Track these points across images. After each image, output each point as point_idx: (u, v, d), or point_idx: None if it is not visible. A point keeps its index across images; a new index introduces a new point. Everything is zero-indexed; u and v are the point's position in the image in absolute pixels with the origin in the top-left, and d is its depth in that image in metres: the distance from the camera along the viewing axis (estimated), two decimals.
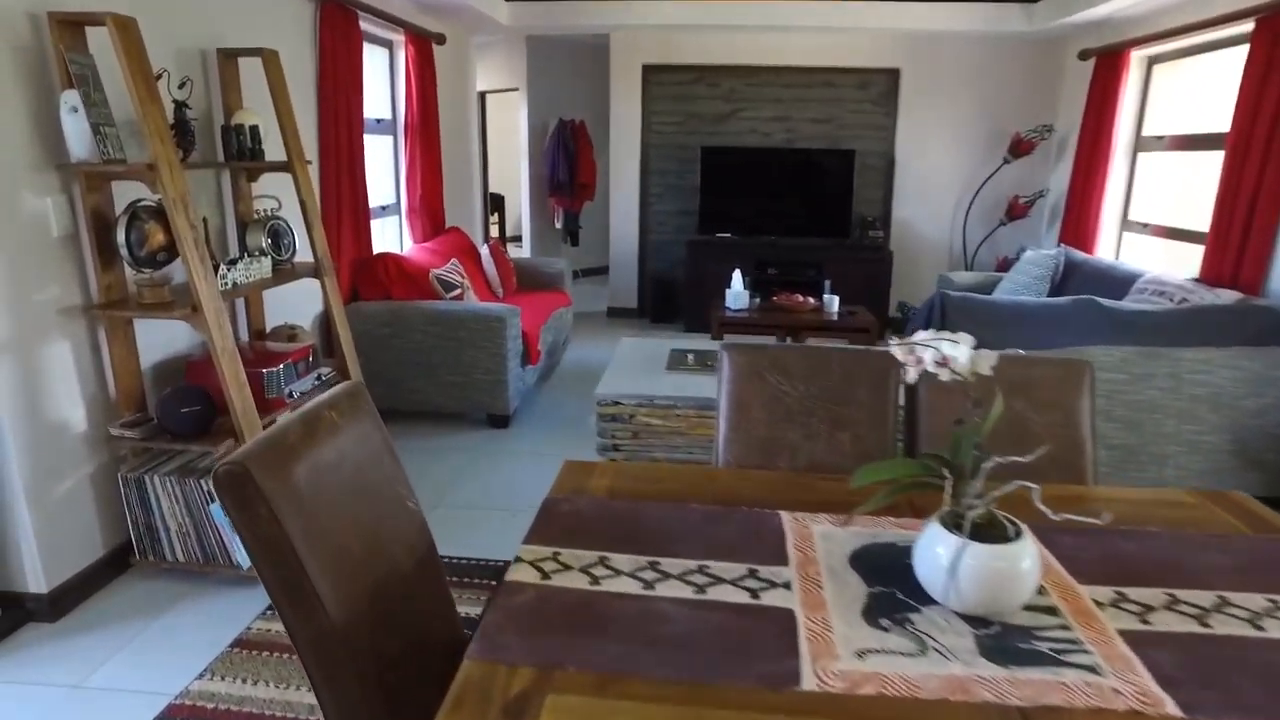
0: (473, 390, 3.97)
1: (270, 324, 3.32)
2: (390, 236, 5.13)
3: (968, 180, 6.38)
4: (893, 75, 6.29)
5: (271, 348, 2.99)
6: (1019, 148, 6.00)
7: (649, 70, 6.35)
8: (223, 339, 2.41)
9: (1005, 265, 6.29)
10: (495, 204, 9.83)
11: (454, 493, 3.34)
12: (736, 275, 4.94)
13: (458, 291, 4.22)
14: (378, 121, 4.84)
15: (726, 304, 4.97)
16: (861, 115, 6.37)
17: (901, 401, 1.76)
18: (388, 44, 4.97)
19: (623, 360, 2.45)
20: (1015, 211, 6.13)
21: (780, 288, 6.26)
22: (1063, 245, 5.19)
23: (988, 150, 6.31)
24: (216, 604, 2.50)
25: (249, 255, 2.88)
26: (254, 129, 2.88)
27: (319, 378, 3.00)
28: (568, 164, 7.78)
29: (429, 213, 5.19)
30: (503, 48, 7.93)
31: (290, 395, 2.78)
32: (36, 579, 2.34)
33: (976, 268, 6.44)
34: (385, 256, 4.16)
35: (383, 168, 5.03)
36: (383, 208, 4.91)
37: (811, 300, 4.92)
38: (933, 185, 6.42)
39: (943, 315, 3.30)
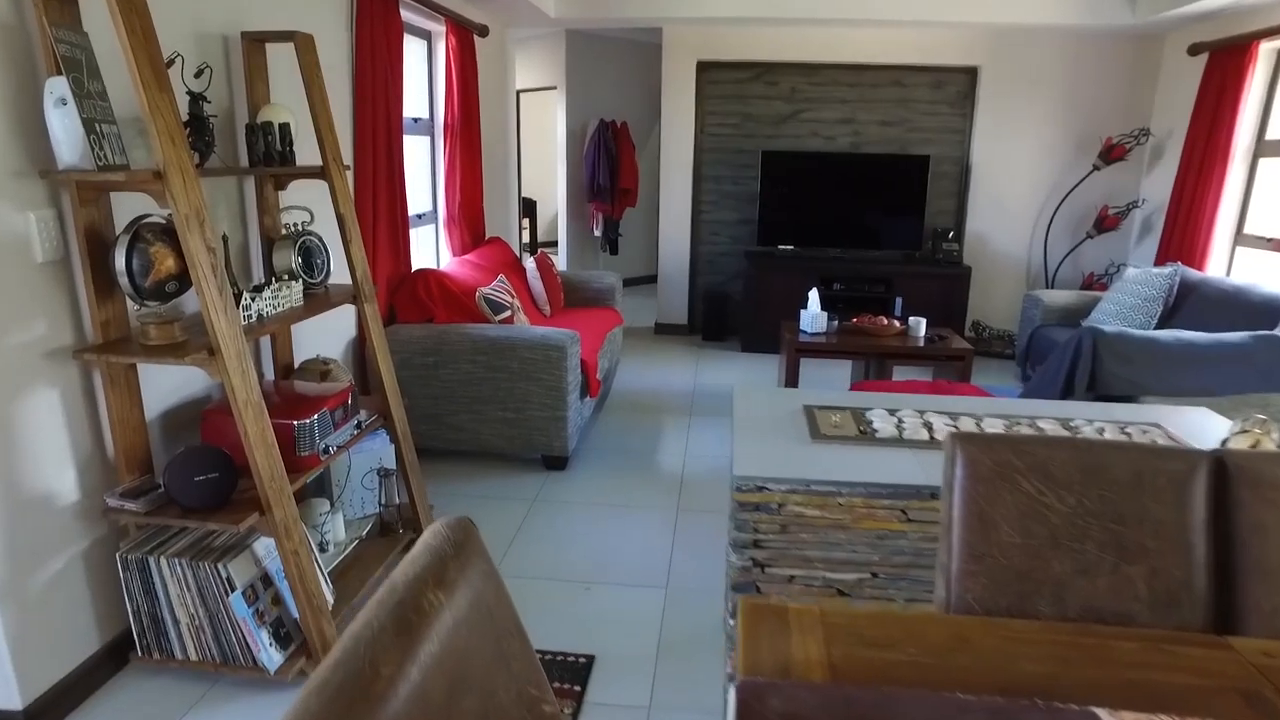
0: (526, 428, 3.48)
1: (299, 356, 2.84)
2: (427, 249, 4.66)
3: (1051, 189, 5.83)
4: (970, 74, 5.76)
5: (301, 389, 2.51)
6: (1111, 153, 5.45)
7: (703, 67, 5.85)
8: (246, 389, 1.93)
9: (1091, 283, 5.74)
10: (526, 209, 9.36)
11: (512, 557, 2.84)
12: (814, 295, 4.43)
13: (508, 314, 3.73)
14: (415, 121, 4.36)
15: (801, 326, 4.45)
16: (935, 118, 5.84)
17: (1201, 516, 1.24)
18: (426, 35, 4.49)
19: (751, 423, 1.95)
20: (1105, 224, 5.59)
21: (846, 305, 5.75)
22: (1178, 263, 4.64)
23: (1074, 157, 5.77)
24: (236, 713, 2.01)
25: (276, 279, 2.40)
26: (284, 128, 2.40)
27: (358, 425, 2.52)
28: (609, 168, 7.30)
29: (469, 222, 4.71)
30: (540, 44, 7.46)
31: (325, 450, 2.30)
32: (9, 692, 1.86)
33: (1058, 285, 5.90)
34: (427, 274, 3.68)
35: (419, 172, 4.55)
36: (419, 216, 4.43)
37: (896, 323, 4.40)
38: (1012, 194, 5.88)
39: (1093, 356, 2.78)
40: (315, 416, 2.25)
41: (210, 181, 2.40)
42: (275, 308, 2.28)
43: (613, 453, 3.82)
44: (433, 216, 4.65)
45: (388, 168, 3.52)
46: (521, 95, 8.08)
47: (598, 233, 7.59)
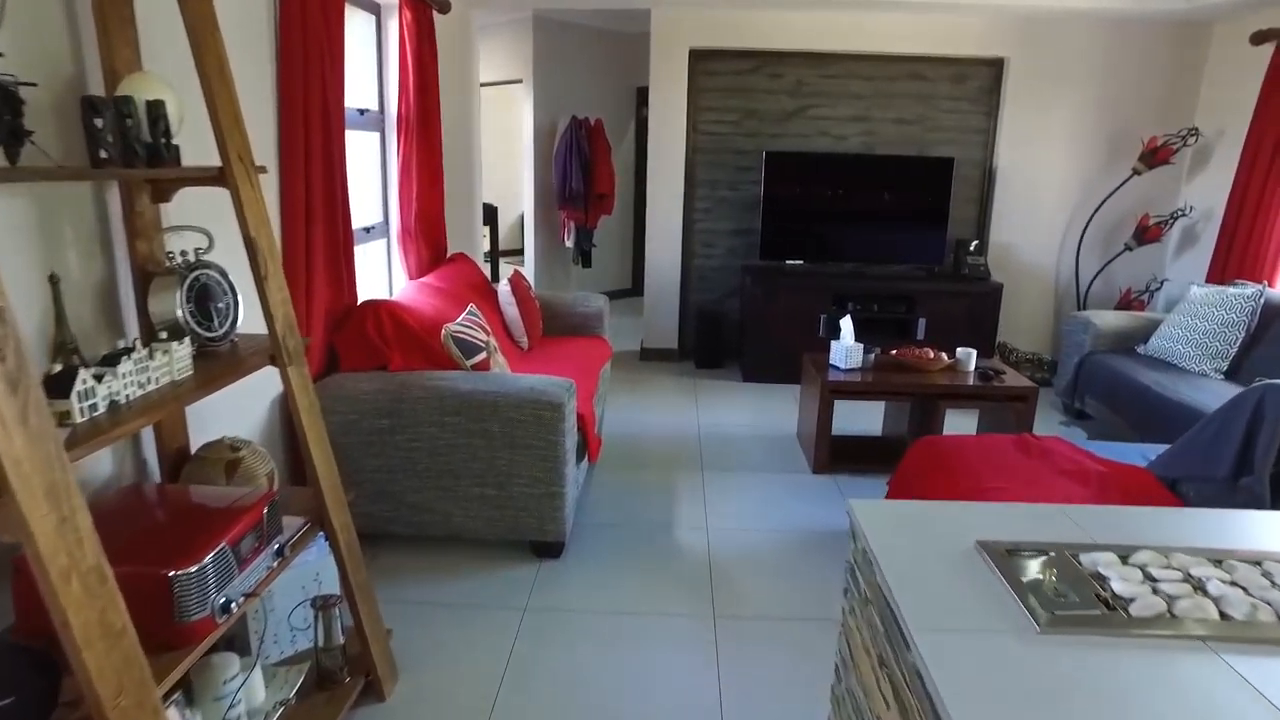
0: (511, 508, 2.69)
1: (199, 437, 2.01)
2: (377, 269, 3.83)
3: (1083, 196, 5.22)
4: (996, 66, 5.12)
5: (195, 498, 1.69)
6: (1156, 156, 4.86)
7: (697, 56, 5.10)
8: (69, 550, 1.12)
9: (1129, 301, 5.15)
10: (487, 216, 8.52)
11: (503, 714, 2.05)
12: (847, 325, 3.71)
13: (482, 356, 2.93)
14: (361, 113, 3.54)
15: (832, 360, 3.73)
16: (956, 115, 5.19)
17: None
18: (375, 8, 3.67)
19: (909, 578, 1.21)
20: (1147, 235, 4.99)
21: (862, 328, 5.05)
22: (1264, 283, 4.05)
23: (1108, 159, 5.17)
24: None
25: (154, 338, 1.59)
26: (155, 108, 1.57)
27: (280, 551, 1.70)
28: (581, 171, 6.51)
29: (428, 236, 3.89)
30: (503, 32, 6.65)
31: (226, 608, 1.48)
32: None
33: (1091, 303, 5.29)
34: (378, 307, 2.86)
35: (368, 176, 3.72)
36: (367, 230, 3.60)
37: (943, 356, 3.71)
38: (1040, 201, 5.25)
39: (1256, 414, 2.09)
40: (208, 558, 1.44)
41: (37, 191, 1.56)
42: (143, 387, 1.46)
43: (617, 528, 3.04)
44: (383, 230, 3.83)
45: (325, 170, 2.70)
46: (482, 90, 7.26)
47: (569, 243, 6.80)
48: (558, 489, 2.65)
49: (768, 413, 4.47)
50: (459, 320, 3.00)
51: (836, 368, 3.69)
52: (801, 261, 5.07)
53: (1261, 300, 3.87)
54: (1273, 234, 4.31)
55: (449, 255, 4.13)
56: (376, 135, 3.76)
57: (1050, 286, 5.39)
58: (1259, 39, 4.41)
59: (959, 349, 3.75)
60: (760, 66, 5.11)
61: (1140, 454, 2.73)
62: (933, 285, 4.92)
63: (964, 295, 4.92)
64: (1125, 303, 5.18)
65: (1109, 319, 4.35)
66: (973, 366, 3.71)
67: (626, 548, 2.90)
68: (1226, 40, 4.83)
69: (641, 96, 7.23)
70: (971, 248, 5.13)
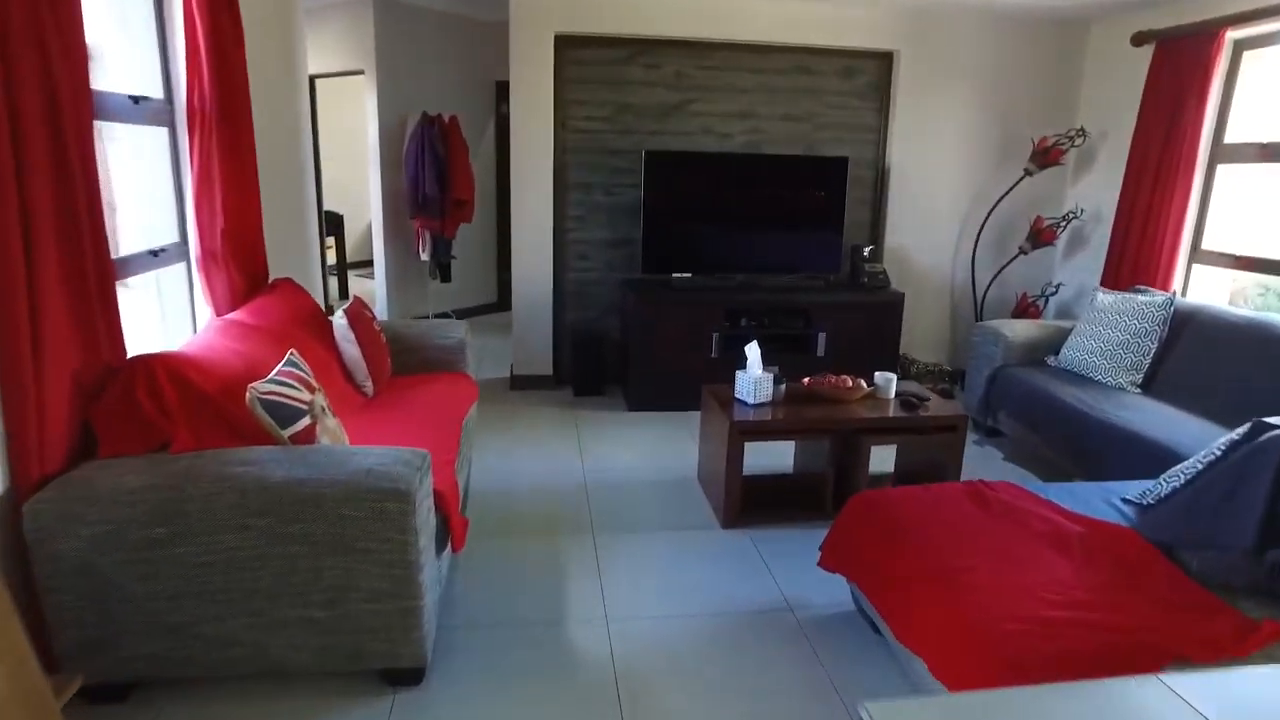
0: (350, 631, 2.01)
1: None
2: (175, 305, 3.00)
3: (975, 198, 5.00)
4: (885, 60, 4.80)
5: None
6: (1047, 156, 4.67)
7: (565, 43, 4.50)
8: None
9: (1026, 307, 4.96)
10: (332, 226, 7.59)
11: None
12: (753, 351, 3.20)
13: (304, 424, 2.21)
14: (135, 102, 2.72)
15: (738, 394, 3.23)
16: (846, 111, 4.83)
17: None
18: None
19: None
20: (1041, 237, 4.80)
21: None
22: (1173, 290, 3.87)
23: (1000, 160, 4.96)
24: None
25: None
26: None
27: None
28: (436, 174, 5.77)
29: (241, 258, 3.11)
30: (339, 15, 5.81)
31: None
32: None
33: (988, 309, 5.08)
34: (154, 364, 2.10)
35: (154, 183, 2.90)
36: (155, 253, 2.79)
37: (864, 384, 3.28)
38: (934, 204, 4.99)
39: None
40: None
41: None
42: None
43: (493, 630, 2.41)
44: (180, 252, 3.01)
45: (57, 178, 1.92)
46: (318, 82, 6.38)
47: (425, 256, 6.03)
48: (411, 602, 1.99)
49: (661, 450, 3.93)
50: (273, 375, 2.27)
51: (744, 403, 3.19)
52: (690, 275, 4.56)
53: (1172, 309, 3.67)
54: (1164, 237, 4.16)
55: (270, 282, 3.35)
56: (163, 131, 2.94)
57: (946, 291, 5.14)
58: (1139, 40, 4.27)
59: (877, 374, 3.33)
60: (635, 55, 4.56)
61: (1106, 501, 2.36)
62: (831, 297, 4.53)
63: (863, 306, 4.56)
64: (1023, 309, 4.99)
65: (1019, 329, 4.08)
66: (893, 393, 3.31)
67: (506, 657, 2.27)
68: (1104, 40, 4.70)
69: (502, 92, 6.55)
70: (866, 253, 4.79)
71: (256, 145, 3.25)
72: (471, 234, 6.59)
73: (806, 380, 3.31)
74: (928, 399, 3.27)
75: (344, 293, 7.59)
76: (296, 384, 2.29)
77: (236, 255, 3.12)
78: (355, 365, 3.19)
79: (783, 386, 3.23)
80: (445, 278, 6.28)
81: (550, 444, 3.96)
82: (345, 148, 7.99)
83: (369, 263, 6.91)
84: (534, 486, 3.46)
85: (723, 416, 3.09)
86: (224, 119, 2.96)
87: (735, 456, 3.04)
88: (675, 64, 4.60)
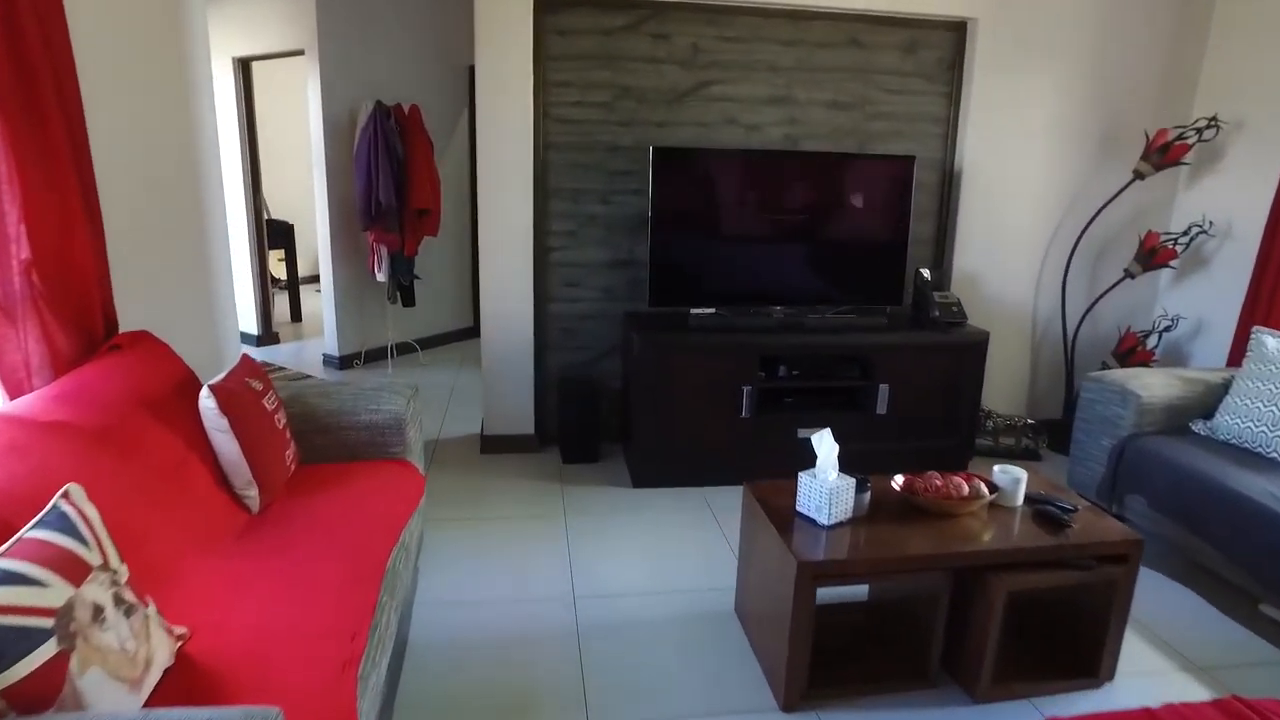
0: None
1: None
2: None
3: (1069, 207, 3.96)
4: (958, 31, 3.76)
5: None
6: (1167, 153, 3.64)
7: (546, 7, 3.45)
8: None
9: (1135, 346, 3.92)
10: (280, 236, 6.52)
11: None
12: (826, 444, 2.14)
13: (40, 660, 1.14)
14: None
15: (803, 507, 2.18)
16: (906, 97, 3.79)
17: None
18: None
19: None
20: (1156, 258, 3.77)
21: (798, 402, 3.57)
22: None
23: (1103, 158, 3.93)
24: None
25: None
26: None
27: None
28: (393, 178, 4.71)
29: (60, 304, 2.05)
30: None
31: None
32: None
33: (1081, 349, 4.05)
34: None
35: None
36: None
37: (981, 485, 2.24)
38: (1015, 214, 3.95)
39: None
40: None
41: None
42: None
43: None
44: None
45: None
46: (253, 65, 5.33)
47: (381, 276, 4.97)
48: None
49: (682, 554, 2.88)
50: (10, 545, 1.20)
51: (812, 521, 2.14)
52: (713, 311, 3.51)
53: None
54: None
55: (113, 338, 2.27)
56: None
57: (1025, 323, 4.11)
58: None
59: (995, 468, 2.29)
60: (638, 23, 3.51)
61: None
62: (893, 337, 3.49)
63: (936, 349, 3.52)
64: (1129, 349, 3.95)
65: (1154, 384, 3.03)
66: (1020, 500, 2.27)
67: None
68: (1242, 6, 3.67)
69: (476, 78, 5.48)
70: (928, 275, 3.75)
71: (96, 147, 2.20)
72: (441, 247, 5.53)
73: (899, 481, 2.26)
74: (1073, 510, 2.23)
75: (295, 314, 6.52)
76: (45, 568, 1.23)
77: (53, 301, 2.06)
78: (233, 466, 2.13)
79: (867, 496, 2.18)
80: (408, 301, 5.22)
81: (529, 549, 2.90)
82: (297, 145, 6.93)
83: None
84: (503, 627, 2.40)
85: (781, 545, 2.05)
86: (24, 111, 1.90)
87: (804, 608, 1.99)
88: (690, 34, 3.54)
